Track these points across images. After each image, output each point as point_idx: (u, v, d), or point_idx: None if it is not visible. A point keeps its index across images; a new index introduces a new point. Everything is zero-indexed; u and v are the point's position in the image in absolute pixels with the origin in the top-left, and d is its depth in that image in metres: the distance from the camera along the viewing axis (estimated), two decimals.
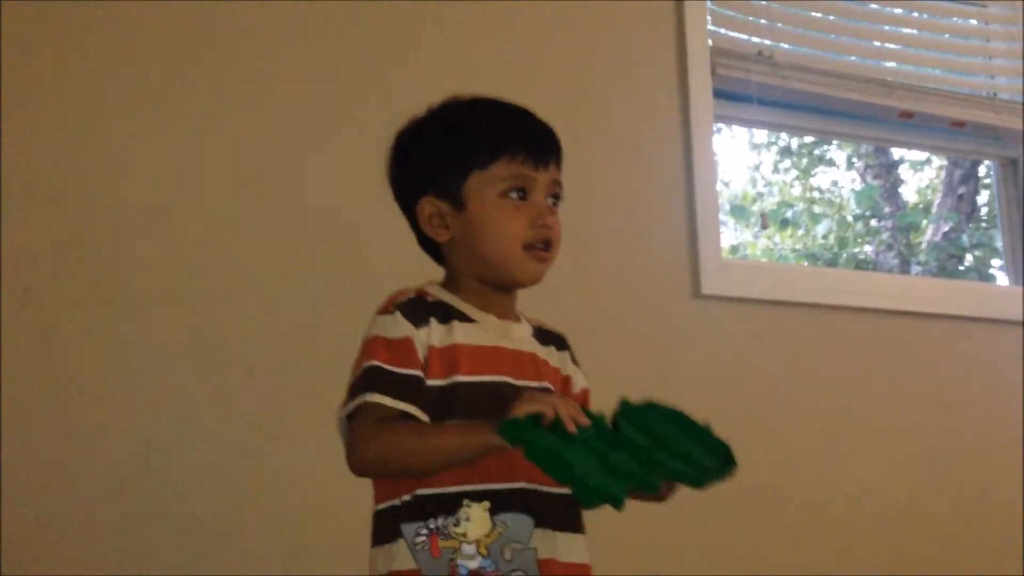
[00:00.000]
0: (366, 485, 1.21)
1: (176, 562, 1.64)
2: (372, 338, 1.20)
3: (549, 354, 1.30)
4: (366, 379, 1.17)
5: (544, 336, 1.32)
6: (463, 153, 1.26)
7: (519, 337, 1.28)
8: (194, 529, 1.67)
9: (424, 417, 1.15)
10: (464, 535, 1.12)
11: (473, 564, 1.11)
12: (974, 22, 2.78)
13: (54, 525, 1.61)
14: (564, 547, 1.17)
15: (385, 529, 1.17)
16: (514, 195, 1.24)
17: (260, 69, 1.91)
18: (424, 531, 1.12)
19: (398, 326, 1.19)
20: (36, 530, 1.59)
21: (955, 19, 2.80)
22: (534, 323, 1.32)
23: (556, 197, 1.29)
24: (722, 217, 5.43)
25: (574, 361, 1.35)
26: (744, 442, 2.09)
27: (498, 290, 1.27)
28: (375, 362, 1.17)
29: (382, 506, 1.19)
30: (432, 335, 1.20)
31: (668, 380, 2.08)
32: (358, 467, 1.16)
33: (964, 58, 2.76)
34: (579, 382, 1.34)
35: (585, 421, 1.08)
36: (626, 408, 1.15)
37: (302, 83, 1.93)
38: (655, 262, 2.14)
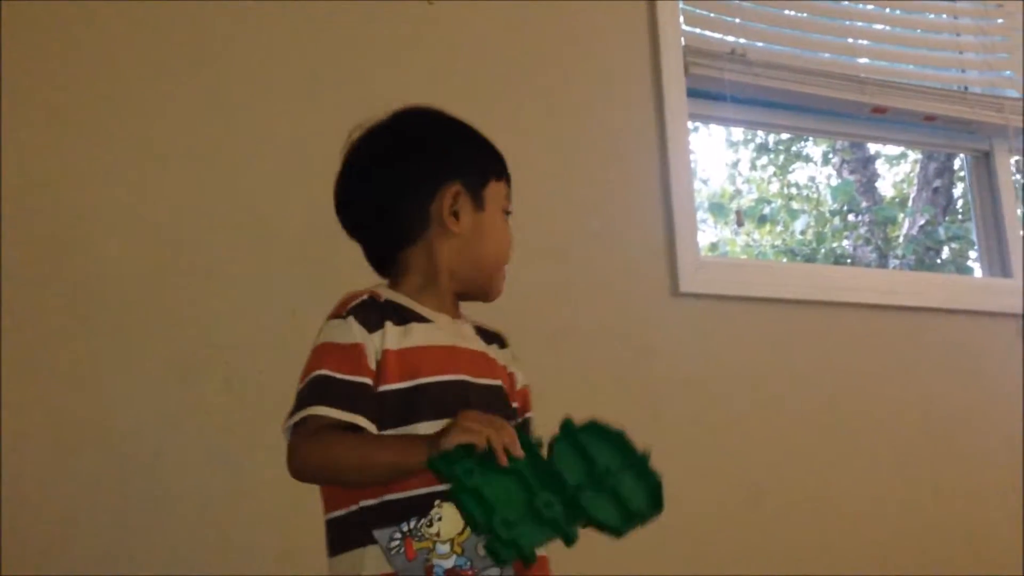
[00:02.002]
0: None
1: (156, 570, 1.63)
2: (321, 344, 1.19)
3: (495, 352, 1.31)
4: (312, 389, 1.16)
5: (486, 335, 1.33)
6: (488, 160, 1.32)
7: (470, 336, 1.29)
8: (173, 538, 1.66)
9: (370, 426, 1.15)
10: (437, 535, 1.12)
11: (448, 563, 1.11)
12: (945, 17, 2.80)
13: (34, 531, 1.59)
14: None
15: (344, 536, 1.17)
16: (505, 215, 1.32)
17: (237, 75, 1.90)
18: (398, 535, 1.12)
19: (350, 331, 1.18)
20: (14, 535, 1.58)
21: (926, 15, 2.82)
22: (474, 323, 1.33)
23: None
24: (701, 215, 5.46)
25: (515, 358, 1.37)
26: (725, 439, 2.12)
27: (456, 295, 1.30)
28: (323, 371, 1.16)
29: (336, 514, 1.18)
30: (387, 339, 1.19)
31: (647, 379, 2.09)
32: (298, 474, 1.16)
33: (935, 53, 2.78)
34: (520, 380, 1.34)
35: (519, 453, 1.07)
36: (566, 430, 1.14)
37: (279, 88, 1.92)
38: (633, 261, 2.14)
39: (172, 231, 1.80)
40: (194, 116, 1.85)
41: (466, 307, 1.33)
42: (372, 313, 1.20)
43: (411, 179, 1.28)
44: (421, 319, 1.24)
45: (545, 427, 1.34)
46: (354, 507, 1.16)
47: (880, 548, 2.18)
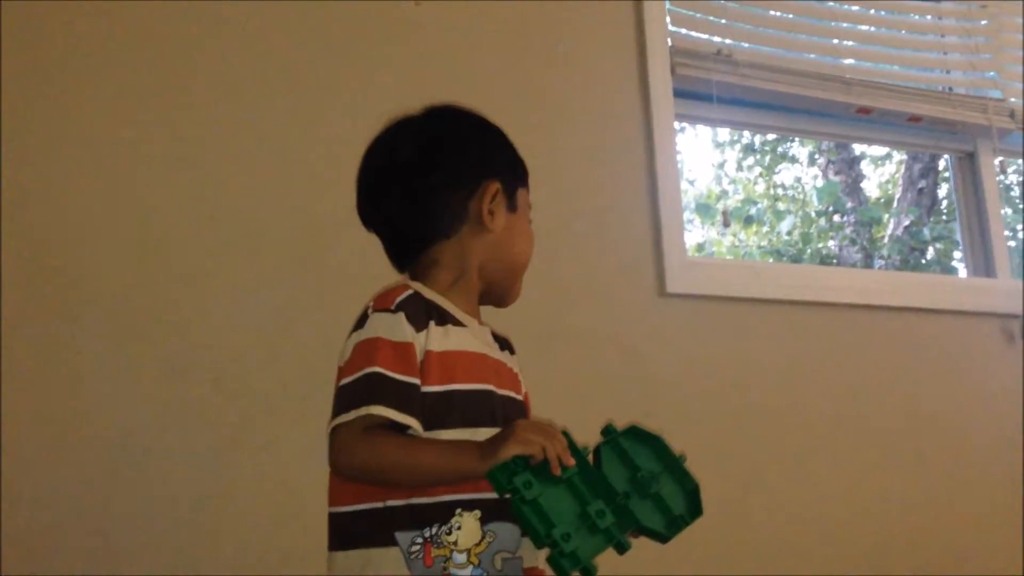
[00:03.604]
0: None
1: (145, 571, 1.63)
2: (373, 339, 1.13)
3: (510, 360, 1.32)
4: (368, 386, 1.11)
5: (499, 342, 1.33)
6: (520, 165, 1.34)
7: (492, 343, 1.29)
8: (162, 539, 1.66)
9: (421, 430, 1.12)
10: (455, 543, 1.11)
11: (464, 573, 1.11)
12: (929, 18, 2.82)
13: (25, 532, 1.59)
14: (543, 557, 1.17)
15: (356, 532, 1.14)
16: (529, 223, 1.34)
17: (225, 79, 1.89)
18: (420, 540, 1.11)
19: (402, 328, 1.14)
20: (5, 535, 1.57)
21: (910, 16, 2.84)
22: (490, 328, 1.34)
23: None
24: (688, 215, 5.47)
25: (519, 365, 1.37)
26: (712, 439, 2.12)
27: (481, 297, 1.30)
28: (377, 368, 1.11)
29: (350, 508, 1.15)
30: (430, 339, 1.16)
31: (635, 379, 2.09)
32: (344, 469, 1.13)
33: (920, 54, 2.79)
34: (523, 384, 1.35)
35: (570, 461, 1.09)
36: (609, 435, 1.17)
37: (267, 91, 1.92)
38: (620, 262, 2.15)
39: (160, 232, 1.79)
40: (181, 119, 1.85)
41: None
42: (419, 311, 1.17)
43: (455, 173, 1.27)
44: (457, 322, 1.22)
45: None
46: (378, 504, 1.13)
47: (865, 547, 2.19)
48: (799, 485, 2.18)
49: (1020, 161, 3.66)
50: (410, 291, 1.19)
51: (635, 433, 1.19)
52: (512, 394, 1.26)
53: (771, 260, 5.75)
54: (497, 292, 1.31)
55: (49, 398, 1.66)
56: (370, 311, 1.17)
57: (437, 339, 1.17)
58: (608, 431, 1.17)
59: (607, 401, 2.03)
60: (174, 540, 1.67)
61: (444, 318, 1.20)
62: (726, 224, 5.48)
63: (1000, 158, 2.77)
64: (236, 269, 1.82)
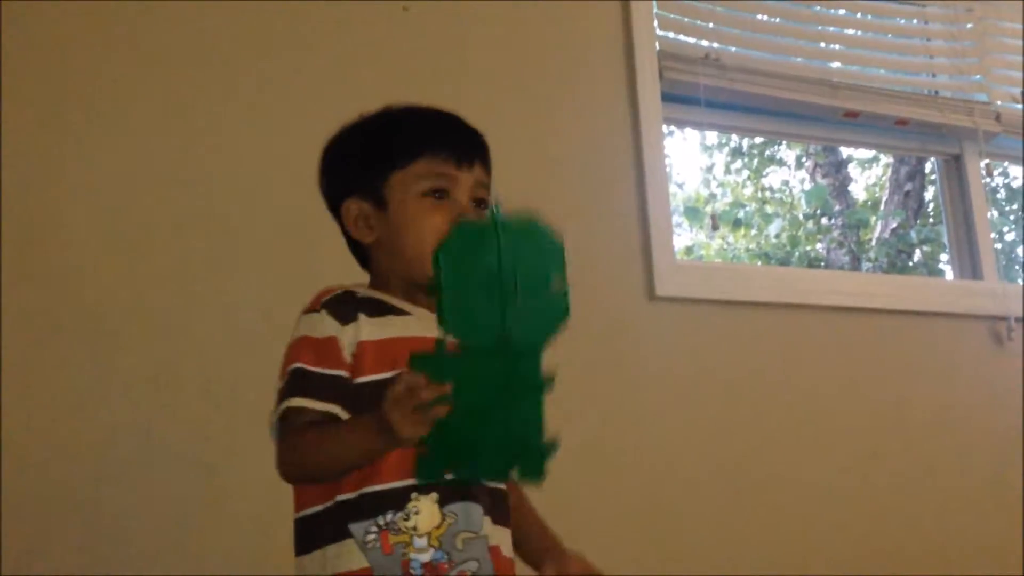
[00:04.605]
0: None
1: None
2: (297, 339, 1.19)
3: None
4: (290, 383, 1.17)
5: None
6: (384, 152, 1.27)
7: None
8: (150, 545, 1.65)
9: (347, 416, 1.15)
10: (415, 528, 1.11)
11: (425, 557, 1.10)
12: (915, 22, 2.83)
13: (12, 536, 1.58)
14: (504, 540, 1.18)
15: (316, 533, 1.16)
16: (436, 196, 1.24)
17: (212, 80, 1.89)
18: (374, 528, 1.11)
19: (323, 324, 1.19)
20: None
21: (897, 20, 2.85)
22: None
23: (481, 201, 1.28)
24: (676, 219, 5.48)
25: None
26: (702, 441, 2.12)
27: (425, 291, 1.25)
28: (299, 364, 1.17)
29: (308, 511, 1.17)
30: (361, 330, 1.19)
31: (624, 382, 2.09)
32: (286, 478, 1.17)
33: (906, 58, 2.81)
34: None
35: (431, 395, 1.01)
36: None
37: (258, 97, 1.91)
38: (609, 265, 2.15)
39: (146, 238, 1.78)
40: (169, 124, 1.84)
41: None
42: (345, 306, 1.20)
43: (329, 204, 1.32)
44: (399, 312, 1.23)
45: None
46: (330, 503, 1.15)
47: (856, 548, 2.19)
48: (789, 487, 2.18)
49: (1006, 164, 3.68)
50: (339, 291, 1.23)
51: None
52: None
53: (759, 263, 5.76)
54: (423, 281, 1.23)
55: (36, 404, 1.65)
56: (301, 314, 1.22)
57: (371, 329, 1.19)
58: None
59: (596, 403, 2.03)
60: (161, 548, 1.66)
61: (382, 309, 1.22)
62: (715, 227, 5.49)
63: (986, 161, 2.78)
64: (225, 275, 1.81)
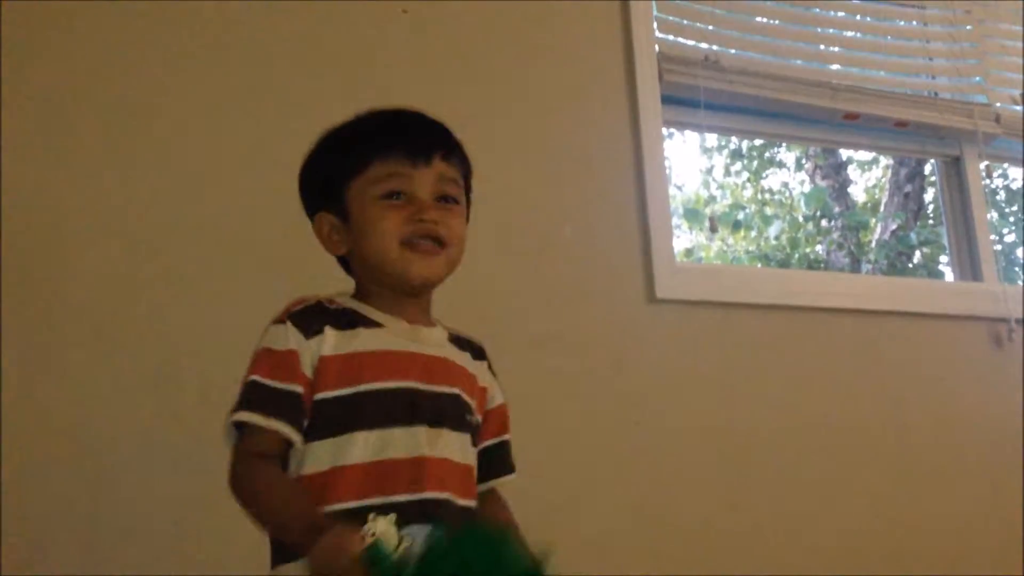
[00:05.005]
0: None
1: None
2: (259, 351, 1.18)
3: (465, 360, 1.27)
4: (244, 394, 1.16)
5: (460, 343, 1.29)
6: (341, 162, 1.25)
7: (431, 341, 1.24)
8: (147, 548, 1.65)
9: (295, 435, 1.14)
10: None
11: None
12: (915, 24, 2.83)
13: (9, 539, 1.58)
14: None
15: (280, 550, 1.15)
16: (394, 197, 1.22)
17: (212, 87, 1.89)
18: None
19: (285, 337, 1.17)
20: None
21: (896, 22, 2.85)
22: (451, 331, 1.30)
23: (448, 197, 1.25)
24: (676, 221, 5.48)
25: (493, 373, 1.32)
26: (701, 444, 2.12)
27: (406, 295, 1.25)
28: (254, 376, 1.16)
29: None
30: (325, 344, 1.17)
31: (624, 384, 2.09)
32: (232, 492, 1.16)
33: (906, 59, 2.81)
34: (496, 397, 1.31)
35: None
36: (436, 546, 0.99)
37: (257, 100, 1.91)
38: (609, 268, 2.15)
39: (145, 240, 1.78)
40: (168, 126, 1.84)
41: (445, 313, 1.32)
42: (312, 318, 1.19)
43: (309, 215, 1.31)
44: (371, 324, 1.21)
45: (525, 444, 1.34)
46: None
47: (856, 550, 2.19)
48: (790, 489, 2.18)
49: (1006, 165, 3.68)
50: (311, 302, 1.21)
51: (468, 540, 1.00)
52: (451, 390, 1.21)
53: (759, 265, 5.76)
54: (394, 285, 1.24)
55: (35, 406, 1.65)
56: (268, 324, 1.21)
57: (337, 343, 1.17)
58: (434, 541, 1.00)
59: (595, 407, 2.03)
60: (158, 550, 1.65)
61: (354, 322, 1.20)
62: (714, 230, 5.49)
63: (986, 162, 2.78)
64: (223, 277, 1.81)
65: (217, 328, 1.78)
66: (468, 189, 1.31)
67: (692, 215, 5.70)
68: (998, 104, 2.72)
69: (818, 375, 2.30)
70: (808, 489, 2.20)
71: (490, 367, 1.32)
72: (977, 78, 2.77)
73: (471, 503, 1.20)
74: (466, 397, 1.23)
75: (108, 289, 1.74)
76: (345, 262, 1.29)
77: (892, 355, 2.39)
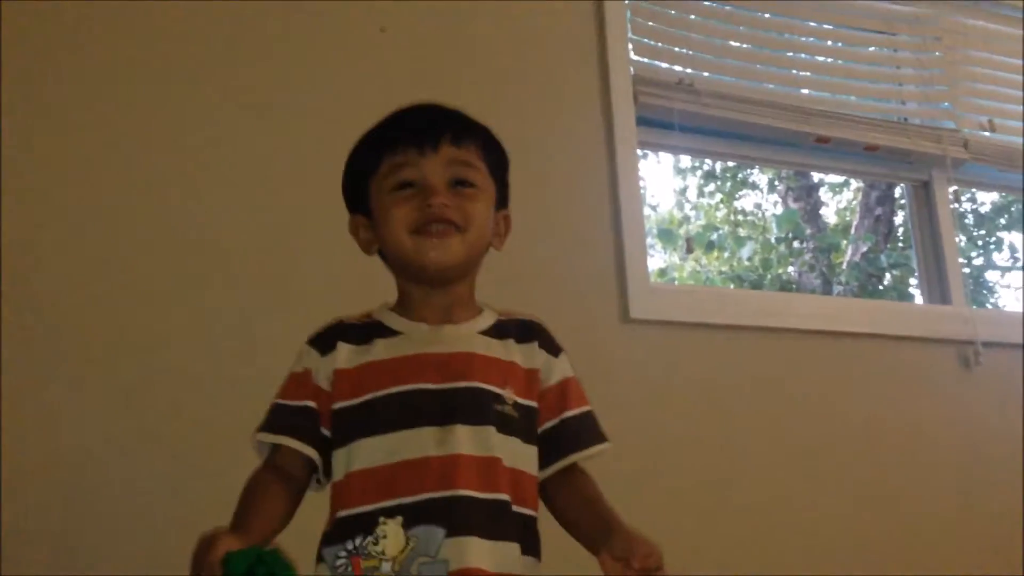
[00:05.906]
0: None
1: None
2: (288, 373, 1.26)
3: (501, 349, 1.25)
4: (267, 416, 1.24)
5: (502, 330, 1.27)
6: (360, 164, 1.30)
7: (455, 337, 1.24)
8: (120, 566, 1.63)
9: (304, 448, 1.20)
10: (383, 553, 1.11)
11: None
12: (885, 50, 2.88)
13: None
14: (477, 553, 1.11)
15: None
16: (405, 188, 1.24)
17: (191, 104, 1.89)
18: (343, 553, 1.12)
19: (304, 358, 1.25)
20: None
21: (867, 48, 2.89)
22: (500, 316, 1.30)
23: (463, 181, 1.26)
24: (650, 241, 5.51)
25: (549, 350, 1.29)
26: (676, 463, 2.13)
27: (430, 286, 1.26)
28: (276, 399, 1.24)
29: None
30: (338, 359, 1.22)
31: (599, 405, 2.09)
32: None
33: (876, 85, 2.85)
34: (553, 375, 1.28)
35: None
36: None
37: (237, 117, 1.92)
38: (583, 287, 2.16)
39: (122, 256, 1.78)
40: (145, 142, 1.84)
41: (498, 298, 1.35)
42: (328, 337, 1.25)
43: None
44: (390, 333, 1.24)
45: None
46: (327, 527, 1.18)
47: (824, 567, 2.20)
48: (762, 508, 2.19)
49: (974, 190, 3.73)
50: (334, 322, 1.28)
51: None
52: (468, 384, 1.19)
53: (732, 286, 5.80)
54: (414, 276, 1.26)
55: (6, 421, 1.63)
56: None
57: (348, 357, 1.22)
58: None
59: None
60: (131, 567, 1.64)
61: (371, 335, 1.24)
62: (689, 250, 5.53)
63: (954, 187, 2.82)
64: (198, 294, 1.81)
65: (191, 346, 1.77)
66: (497, 171, 1.32)
67: (666, 235, 5.73)
68: (966, 130, 2.76)
69: (790, 395, 2.32)
70: (780, 508, 2.21)
71: (545, 344, 1.29)
72: (946, 104, 2.82)
73: (498, 495, 1.16)
74: (492, 387, 1.20)
75: (81, 305, 1.73)
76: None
77: (863, 376, 2.41)
